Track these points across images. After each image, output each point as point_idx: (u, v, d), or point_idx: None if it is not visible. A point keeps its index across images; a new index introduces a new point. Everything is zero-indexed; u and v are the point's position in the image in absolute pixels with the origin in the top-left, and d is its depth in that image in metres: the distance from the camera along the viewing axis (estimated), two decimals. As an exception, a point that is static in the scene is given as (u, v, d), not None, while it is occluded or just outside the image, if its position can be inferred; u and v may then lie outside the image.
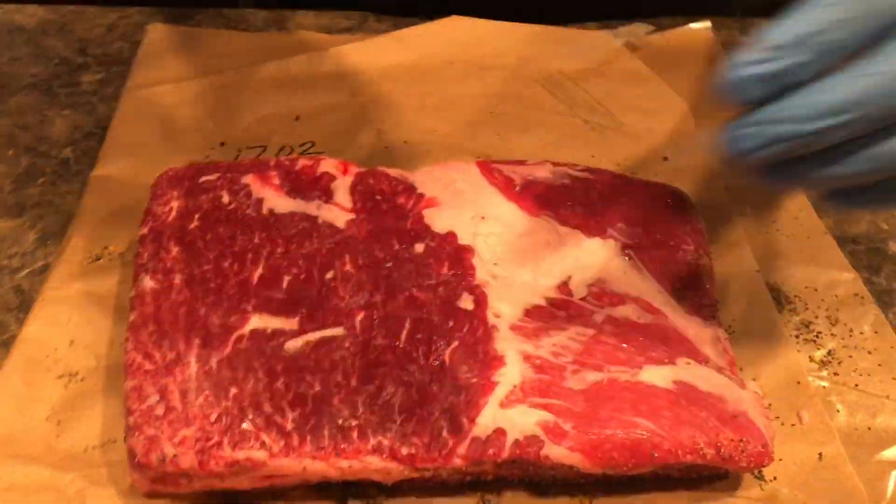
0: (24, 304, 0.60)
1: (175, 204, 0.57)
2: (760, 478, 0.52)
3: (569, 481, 0.50)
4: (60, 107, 0.76)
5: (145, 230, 0.56)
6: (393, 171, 0.62)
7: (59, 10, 0.86)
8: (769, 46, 0.36)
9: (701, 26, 0.84)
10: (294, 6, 0.87)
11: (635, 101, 0.78)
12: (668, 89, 0.79)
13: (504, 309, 0.54)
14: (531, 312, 0.55)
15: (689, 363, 0.53)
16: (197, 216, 0.57)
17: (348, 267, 0.55)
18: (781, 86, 0.37)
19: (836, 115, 0.36)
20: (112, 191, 0.67)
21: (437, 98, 0.77)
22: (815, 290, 0.63)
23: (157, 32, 0.81)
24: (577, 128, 0.75)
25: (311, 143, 0.73)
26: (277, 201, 0.58)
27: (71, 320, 0.57)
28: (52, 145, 0.73)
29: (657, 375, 0.51)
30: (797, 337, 0.60)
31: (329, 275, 0.54)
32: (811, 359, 0.59)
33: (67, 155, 0.72)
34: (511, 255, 0.58)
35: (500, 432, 0.48)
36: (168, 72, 0.78)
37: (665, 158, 0.72)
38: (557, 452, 0.47)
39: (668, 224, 0.60)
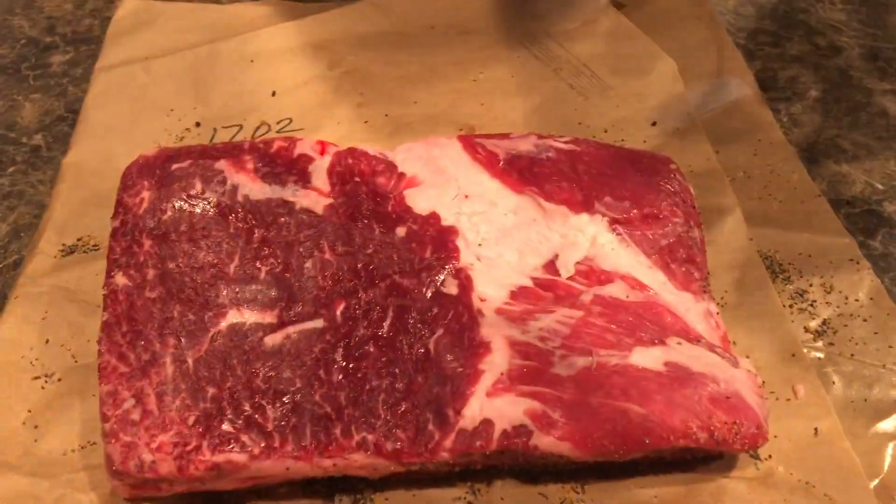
0: (-3, 303, 0.58)
1: (146, 194, 0.55)
2: (755, 457, 0.51)
3: (559, 468, 0.49)
4: (30, 90, 0.74)
5: (117, 223, 0.54)
6: (372, 150, 0.60)
7: (25, -13, 0.83)
8: None
9: (689, -20, 0.81)
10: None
11: (622, 62, 0.76)
12: (657, 48, 0.76)
13: (490, 292, 0.53)
14: (517, 294, 0.53)
15: (680, 342, 0.51)
16: (169, 206, 0.55)
17: (327, 255, 0.53)
18: None
19: None
20: (85, 178, 0.65)
21: (418, 66, 0.75)
22: (810, 256, 0.62)
23: (128, 8, 0.78)
24: (563, 93, 0.73)
25: (288, 120, 0.70)
26: (252, 187, 0.56)
27: (46, 318, 0.55)
28: (22, 132, 0.70)
29: (648, 357, 0.50)
30: (791, 307, 0.59)
31: (308, 264, 0.53)
32: (806, 329, 0.58)
33: (38, 142, 0.70)
34: (496, 235, 0.56)
35: (487, 423, 0.47)
36: (139, 49, 0.75)
37: (654, 123, 0.70)
38: (546, 442, 0.46)
39: (657, 195, 0.58)
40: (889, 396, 0.55)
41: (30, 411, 0.51)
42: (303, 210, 0.55)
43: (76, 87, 0.74)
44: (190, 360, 0.48)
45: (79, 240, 0.60)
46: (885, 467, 0.51)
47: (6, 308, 0.56)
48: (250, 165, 0.57)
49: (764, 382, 0.53)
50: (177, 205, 0.55)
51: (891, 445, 0.52)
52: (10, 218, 0.64)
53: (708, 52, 0.76)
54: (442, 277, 0.53)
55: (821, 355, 0.57)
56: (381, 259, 0.53)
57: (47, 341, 0.54)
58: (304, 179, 0.57)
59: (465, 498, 0.49)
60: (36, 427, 0.51)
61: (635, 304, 0.53)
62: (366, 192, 0.57)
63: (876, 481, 0.50)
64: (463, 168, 0.59)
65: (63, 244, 0.60)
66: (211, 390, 0.47)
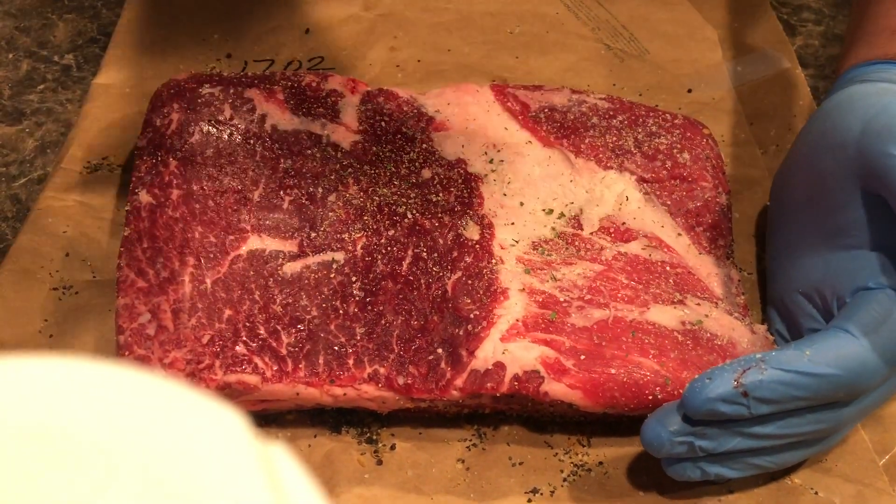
0: (20, 214, 0.58)
1: (175, 116, 0.55)
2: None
3: (567, 419, 0.49)
4: (64, 10, 0.74)
5: (143, 142, 0.54)
6: (403, 92, 0.59)
7: None
8: (751, 396, 0.42)
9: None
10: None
11: (662, 26, 0.74)
12: (697, 15, 0.75)
13: (511, 240, 0.53)
14: (539, 245, 0.53)
15: (698, 303, 0.51)
16: (197, 130, 0.55)
17: (351, 190, 0.53)
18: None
19: (753, 440, 0.44)
20: (114, 100, 0.65)
21: (454, 15, 0.74)
22: (837, 233, 0.61)
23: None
24: (600, 53, 0.72)
25: (320, 58, 0.70)
26: (281, 118, 0.56)
27: (67, 232, 0.56)
28: (53, 50, 0.70)
29: (665, 315, 0.49)
30: (814, 281, 0.58)
31: (332, 197, 0.53)
32: (826, 305, 0.57)
33: (69, 61, 0.70)
34: (522, 186, 0.56)
35: (499, 366, 0.47)
36: (175, -23, 0.74)
37: (689, 91, 0.69)
38: (557, 389, 0.46)
39: (688, 158, 0.58)
40: (905, 377, 0.54)
41: (46, 321, 0.52)
42: (330, 144, 0.55)
43: (110, 11, 0.73)
44: (208, 281, 0.48)
45: (104, 159, 0.60)
46: (896, 446, 0.51)
47: (28, 219, 0.56)
48: (280, 96, 0.57)
49: (780, 352, 0.53)
50: (204, 129, 0.55)
51: (904, 425, 0.52)
52: (38, 134, 0.64)
53: (750, 23, 0.75)
54: (464, 222, 0.53)
55: (839, 332, 0.56)
56: (404, 199, 0.53)
57: (67, 255, 0.55)
58: (333, 114, 0.57)
59: (471, 440, 0.49)
60: (51, 336, 0.51)
61: (657, 263, 0.53)
62: (394, 132, 0.56)
63: (886, 458, 0.50)
64: (493, 117, 0.59)
65: (88, 162, 0.60)
66: (227, 312, 0.47)
